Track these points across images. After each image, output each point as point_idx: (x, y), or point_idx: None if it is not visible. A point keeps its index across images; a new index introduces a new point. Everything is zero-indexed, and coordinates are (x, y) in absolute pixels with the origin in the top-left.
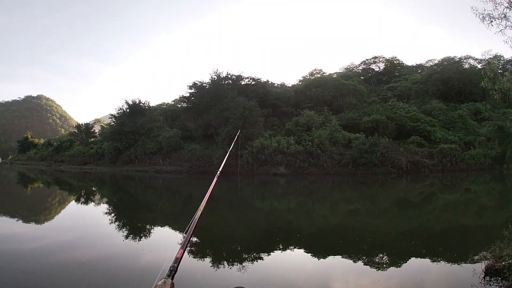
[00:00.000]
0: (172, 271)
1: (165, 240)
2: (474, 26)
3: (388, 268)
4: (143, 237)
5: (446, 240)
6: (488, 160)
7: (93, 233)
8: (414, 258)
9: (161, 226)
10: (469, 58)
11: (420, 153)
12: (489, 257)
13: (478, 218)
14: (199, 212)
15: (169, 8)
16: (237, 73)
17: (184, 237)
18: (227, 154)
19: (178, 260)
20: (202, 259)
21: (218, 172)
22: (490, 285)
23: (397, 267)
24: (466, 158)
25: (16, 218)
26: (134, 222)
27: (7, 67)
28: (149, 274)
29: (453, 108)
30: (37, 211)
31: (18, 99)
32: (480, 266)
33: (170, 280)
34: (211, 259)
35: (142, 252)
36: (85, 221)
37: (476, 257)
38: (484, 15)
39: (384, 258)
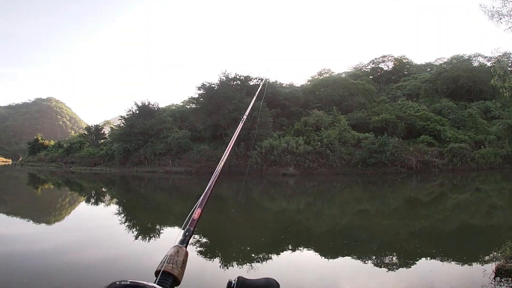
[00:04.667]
0: (187, 236)
1: (174, 241)
2: (482, 23)
3: (397, 268)
4: (153, 238)
5: (456, 240)
6: (498, 159)
7: (103, 233)
8: (424, 258)
9: (171, 227)
10: (478, 56)
11: (430, 152)
12: (499, 258)
13: (488, 218)
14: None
15: (177, 10)
16: (245, 74)
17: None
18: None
19: (195, 223)
20: (211, 259)
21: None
22: (500, 285)
23: (406, 267)
24: (476, 157)
25: (27, 219)
26: (144, 223)
27: (17, 69)
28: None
29: (463, 107)
30: (48, 212)
31: (28, 101)
32: (491, 267)
33: (184, 248)
34: (219, 260)
35: (148, 251)
36: (95, 222)
37: (486, 258)
38: (493, 13)
39: (393, 258)
